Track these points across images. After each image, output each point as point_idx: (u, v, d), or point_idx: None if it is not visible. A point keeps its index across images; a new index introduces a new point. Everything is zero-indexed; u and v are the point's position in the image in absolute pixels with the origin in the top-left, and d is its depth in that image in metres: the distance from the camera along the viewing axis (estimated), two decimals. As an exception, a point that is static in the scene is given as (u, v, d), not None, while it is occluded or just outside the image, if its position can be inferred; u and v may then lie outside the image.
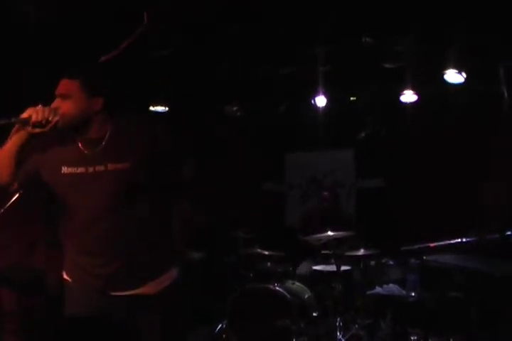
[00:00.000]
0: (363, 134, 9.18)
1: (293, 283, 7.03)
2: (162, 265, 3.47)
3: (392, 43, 6.85)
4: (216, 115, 9.18)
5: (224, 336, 6.93)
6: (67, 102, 3.30)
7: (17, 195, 5.96)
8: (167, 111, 8.36)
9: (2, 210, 5.84)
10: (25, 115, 3.25)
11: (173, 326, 3.51)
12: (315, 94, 8.29)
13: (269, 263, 7.22)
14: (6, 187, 3.38)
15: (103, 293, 3.34)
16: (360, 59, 7.25)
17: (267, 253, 7.25)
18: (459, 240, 5.88)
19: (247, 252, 7.36)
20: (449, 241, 5.92)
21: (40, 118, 3.22)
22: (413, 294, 6.24)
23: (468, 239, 5.85)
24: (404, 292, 6.33)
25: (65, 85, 3.35)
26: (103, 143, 3.36)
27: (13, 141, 3.30)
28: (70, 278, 3.47)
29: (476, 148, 8.26)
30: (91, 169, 3.33)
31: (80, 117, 3.32)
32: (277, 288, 6.68)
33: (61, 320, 3.42)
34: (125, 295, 3.34)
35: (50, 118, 3.24)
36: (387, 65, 7.30)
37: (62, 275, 3.53)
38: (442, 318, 6.12)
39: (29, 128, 3.26)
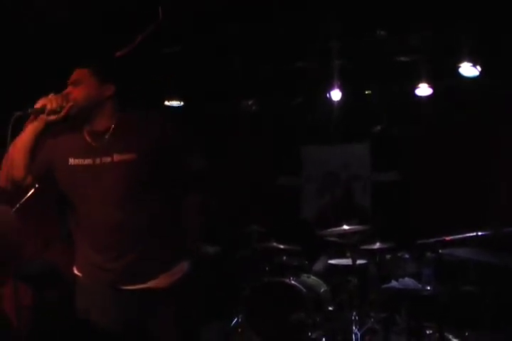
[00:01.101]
0: (378, 128, 9.16)
1: (308, 277, 7.04)
2: (173, 258, 3.45)
3: (407, 37, 6.83)
4: (232, 109, 9.18)
5: (239, 330, 6.94)
6: (78, 88, 3.36)
7: (32, 190, 6.01)
8: (182, 106, 8.37)
9: (18, 205, 5.91)
10: (39, 105, 3.29)
11: (185, 318, 3.50)
12: (330, 88, 8.27)
13: (284, 257, 7.22)
14: (21, 180, 3.38)
15: (114, 288, 3.35)
16: (375, 53, 7.23)
17: (282, 247, 7.25)
18: (475, 234, 5.88)
19: (263, 246, 7.36)
20: (464, 235, 5.92)
21: (54, 105, 3.26)
22: (428, 288, 6.22)
23: (483, 233, 5.85)
24: (419, 286, 6.31)
25: (76, 73, 3.42)
26: (109, 134, 3.37)
27: (29, 132, 3.33)
28: (80, 273, 3.48)
29: (492, 141, 8.22)
30: (98, 160, 3.33)
31: (91, 102, 3.37)
32: (293, 282, 6.69)
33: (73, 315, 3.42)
34: (136, 289, 3.34)
35: (63, 104, 3.29)
36: (401, 59, 7.28)
37: (72, 271, 3.54)
38: (458, 312, 6.11)
39: (44, 117, 3.29)
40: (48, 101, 3.27)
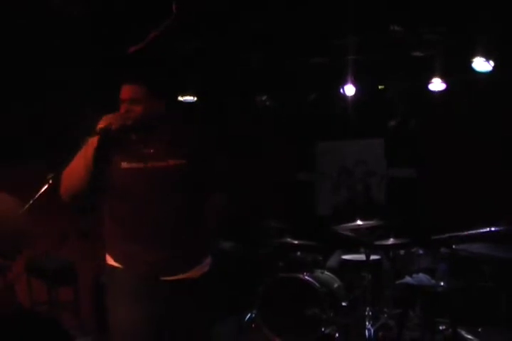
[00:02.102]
0: (393, 123, 9.13)
1: (322, 273, 7.04)
2: (203, 252, 3.75)
3: (421, 32, 6.81)
4: (246, 105, 9.19)
5: (253, 325, 6.97)
6: (137, 107, 3.56)
7: (47, 185, 6.04)
8: (196, 101, 8.38)
9: (32, 201, 5.93)
10: (102, 124, 3.47)
11: (206, 310, 3.75)
12: (344, 83, 8.26)
13: (299, 253, 7.24)
14: (81, 193, 3.61)
15: (153, 278, 3.56)
16: (389, 48, 7.21)
17: (296, 242, 7.27)
18: (489, 229, 5.87)
19: (278, 241, 7.39)
20: (479, 231, 5.91)
21: (117, 125, 3.47)
22: (442, 284, 6.22)
23: (498, 229, 5.83)
24: (433, 281, 6.30)
25: (133, 90, 3.59)
26: (164, 143, 3.65)
27: (91, 148, 3.47)
28: (120, 264, 3.63)
29: (507, 137, 8.18)
30: (149, 164, 3.59)
31: (149, 120, 3.60)
32: (307, 278, 6.70)
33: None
34: (173, 280, 3.58)
35: (126, 123, 3.52)
36: (415, 54, 7.26)
37: (105, 263, 3.73)
38: (471, 308, 6.09)
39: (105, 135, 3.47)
40: (113, 120, 3.48)
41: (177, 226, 3.59)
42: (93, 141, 3.47)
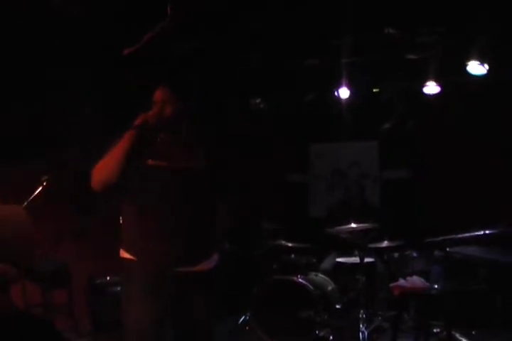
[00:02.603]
0: (387, 125, 9.14)
1: (316, 275, 7.04)
2: (212, 248, 3.96)
3: (416, 34, 6.82)
4: (242, 106, 9.19)
5: (247, 327, 6.97)
6: (168, 107, 3.79)
7: (43, 185, 6.05)
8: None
9: (27, 202, 5.93)
10: (139, 121, 3.72)
11: (213, 303, 3.98)
12: (339, 85, 8.27)
13: (292, 255, 7.24)
14: (113, 184, 3.74)
15: (168, 270, 3.75)
16: (383, 50, 7.22)
17: (290, 245, 7.28)
18: (483, 232, 5.87)
19: (271, 244, 7.38)
20: (473, 233, 5.92)
21: (153, 123, 3.71)
22: (436, 286, 6.22)
23: (492, 231, 5.84)
24: (427, 284, 6.31)
25: (163, 92, 3.84)
26: (188, 142, 3.88)
27: (126, 142, 3.68)
28: (135, 256, 3.80)
29: (501, 140, 8.21)
30: (174, 163, 3.80)
31: (177, 120, 3.82)
32: (301, 280, 6.70)
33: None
34: (184, 272, 3.76)
35: (159, 122, 3.75)
36: (410, 56, 7.27)
37: (120, 257, 3.90)
38: (465, 311, 6.10)
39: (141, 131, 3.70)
40: (150, 118, 3.72)
41: (192, 223, 3.79)
42: (129, 136, 3.68)
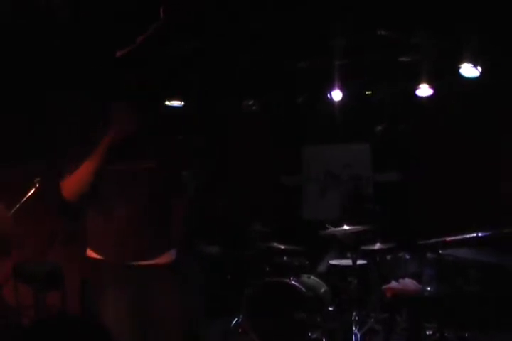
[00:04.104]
0: (379, 128, 9.15)
1: (309, 277, 7.03)
2: (170, 242, 4.12)
3: (408, 36, 6.83)
4: (233, 109, 9.18)
5: (240, 330, 6.96)
6: (126, 120, 3.94)
7: (33, 190, 6.03)
8: (183, 106, 8.36)
9: (18, 205, 5.92)
10: (109, 139, 3.83)
11: (178, 293, 4.10)
12: (331, 87, 8.27)
13: (285, 257, 7.23)
14: (86, 193, 3.93)
15: (131, 264, 3.92)
16: (376, 52, 7.23)
17: (283, 247, 7.27)
18: (475, 234, 5.89)
19: (264, 246, 7.37)
20: (465, 236, 5.93)
21: (122, 135, 3.87)
22: (429, 288, 6.23)
23: (484, 234, 5.86)
24: (420, 286, 6.32)
25: (119, 107, 3.99)
26: (141, 143, 3.98)
27: (100, 157, 3.84)
28: (100, 254, 3.96)
29: (493, 143, 8.23)
30: (127, 167, 3.92)
31: (137, 130, 3.96)
32: (293, 282, 6.69)
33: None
34: (147, 265, 3.96)
35: (126, 134, 3.89)
36: (403, 59, 7.28)
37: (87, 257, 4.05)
38: (458, 313, 6.11)
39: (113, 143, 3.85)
40: (114, 135, 3.84)
41: (150, 220, 3.97)
42: (101, 152, 3.81)
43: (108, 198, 3.93)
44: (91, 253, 4.01)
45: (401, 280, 6.40)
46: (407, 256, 6.88)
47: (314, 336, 6.49)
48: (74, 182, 3.88)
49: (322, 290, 6.93)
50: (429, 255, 6.49)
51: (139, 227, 3.94)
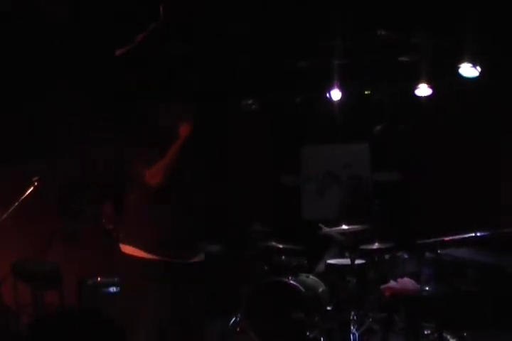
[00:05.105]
0: (379, 128, 9.15)
1: (307, 277, 7.04)
2: (203, 241, 4.35)
3: (408, 36, 6.83)
4: (232, 109, 9.18)
5: (238, 329, 6.97)
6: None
7: (34, 186, 6.04)
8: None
9: (17, 203, 5.92)
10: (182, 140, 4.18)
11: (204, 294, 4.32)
12: (330, 87, 8.28)
13: (283, 257, 7.24)
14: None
15: (173, 261, 4.05)
16: (376, 52, 7.23)
17: (281, 246, 7.27)
18: (474, 234, 5.89)
19: (263, 245, 7.37)
20: (463, 235, 5.93)
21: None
22: (427, 288, 6.23)
23: (482, 233, 5.86)
24: (418, 286, 6.32)
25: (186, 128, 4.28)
26: None
27: (178, 146, 4.15)
28: (148, 252, 4.04)
29: (493, 143, 8.23)
30: None
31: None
32: (291, 282, 6.70)
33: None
34: (189, 262, 4.11)
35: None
36: (402, 59, 7.28)
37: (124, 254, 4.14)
38: (456, 312, 6.11)
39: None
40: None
41: (191, 220, 4.17)
42: (179, 142, 4.12)
43: (161, 199, 4.10)
44: (134, 251, 4.08)
45: (399, 280, 6.41)
46: (406, 256, 6.89)
47: (312, 335, 6.49)
48: (162, 170, 4.08)
49: (320, 289, 6.94)
50: (427, 255, 6.50)
51: (185, 226, 4.12)
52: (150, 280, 3.99)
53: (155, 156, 4.11)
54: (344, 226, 6.80)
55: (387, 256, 7.00)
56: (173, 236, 4.06)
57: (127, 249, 4.08)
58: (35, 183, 6.04)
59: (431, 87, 7.79)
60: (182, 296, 4.06)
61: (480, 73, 7.06)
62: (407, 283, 6.36)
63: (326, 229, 7.02)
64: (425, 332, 6.24)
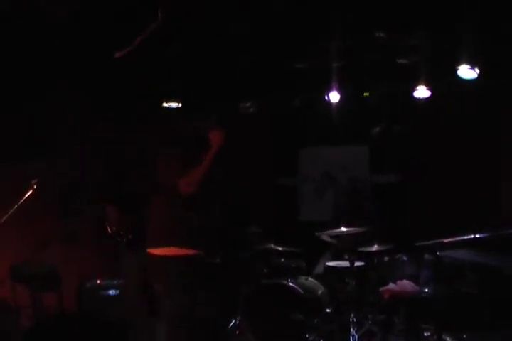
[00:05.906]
0: (377, 129, 9.14)
1: (306, 279, 7.04)
2: None
3: (406, 38, 6.83)
4: (230, 111, 9.17)
5: (238, 331, 6.95)
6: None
7: (33, 188, 6.03)
8: (180, 107, 8.34)
9: (16, 206, 5.91)
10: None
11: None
12: (329, 89, 8.27)
13: (282, 259, 7.23)
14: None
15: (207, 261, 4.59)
16: (374, 54, 7.23)
17: (280, 248, 7.26)
18: (473, 236, 5.88)
19: (261, 248, 7.37)
20: (462, 237, 5.92)
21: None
22: (427, 290, 6.23)
23: (481, 235, 5.85)
24: (417, 288, 6.31)
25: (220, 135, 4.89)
26: None
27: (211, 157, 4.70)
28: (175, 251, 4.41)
29: (493, 143, 8.23)
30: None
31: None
32: (291, 284, 6.69)
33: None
34: (212, 263, 4.72)
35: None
36: (400, 61, 7.27)
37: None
38: (456, 314, 6.11)
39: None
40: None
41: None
42: (210, 160, 4.62)
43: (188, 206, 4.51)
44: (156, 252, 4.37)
45: (398, 282, 6.40)
46: (405, 258, 6.87)
47: (312, 338, 6.49)
48: (196, 178, 4.55)
49: (320, 291, 6.93)
50: (426, 256, 6.49)
51: (208, 228, 4.51)
52: (180, 277, 4.35)
53: (179, 163, 4.49)
54: (343, 229, 6.79)
55: (386, 258, 6.98)
56: (199, 238, 4.31)
57: (158, 251, 4.38)
58: (34, 186, 6.02)
59: (429, 89, 7.78)
60: (201, 294, 4.34)
61: (478, 74, 7.06)
62: (406, 285, 6.36)
63: (322, 235, 7.03)
64: (424, 334, 6.24)
